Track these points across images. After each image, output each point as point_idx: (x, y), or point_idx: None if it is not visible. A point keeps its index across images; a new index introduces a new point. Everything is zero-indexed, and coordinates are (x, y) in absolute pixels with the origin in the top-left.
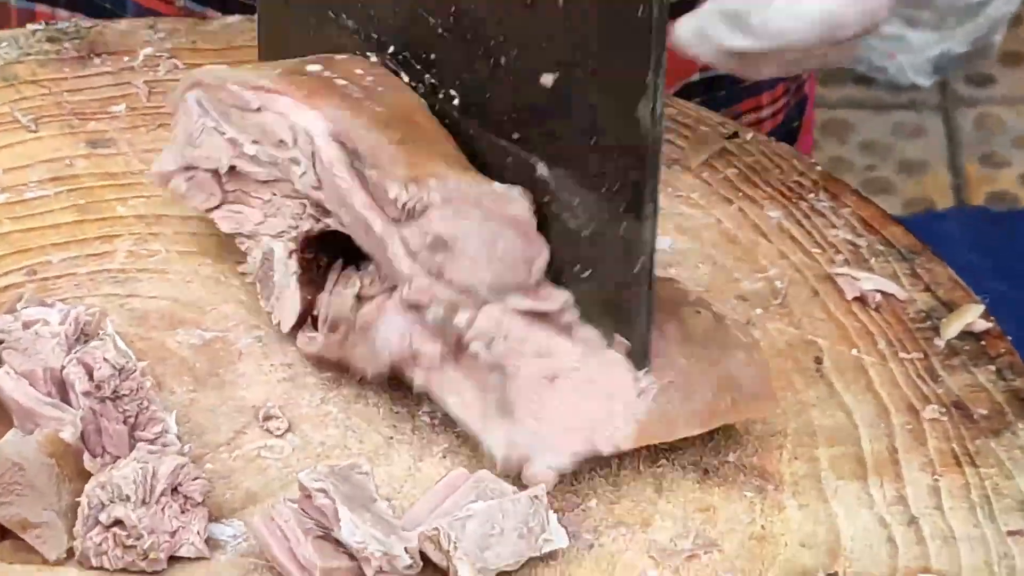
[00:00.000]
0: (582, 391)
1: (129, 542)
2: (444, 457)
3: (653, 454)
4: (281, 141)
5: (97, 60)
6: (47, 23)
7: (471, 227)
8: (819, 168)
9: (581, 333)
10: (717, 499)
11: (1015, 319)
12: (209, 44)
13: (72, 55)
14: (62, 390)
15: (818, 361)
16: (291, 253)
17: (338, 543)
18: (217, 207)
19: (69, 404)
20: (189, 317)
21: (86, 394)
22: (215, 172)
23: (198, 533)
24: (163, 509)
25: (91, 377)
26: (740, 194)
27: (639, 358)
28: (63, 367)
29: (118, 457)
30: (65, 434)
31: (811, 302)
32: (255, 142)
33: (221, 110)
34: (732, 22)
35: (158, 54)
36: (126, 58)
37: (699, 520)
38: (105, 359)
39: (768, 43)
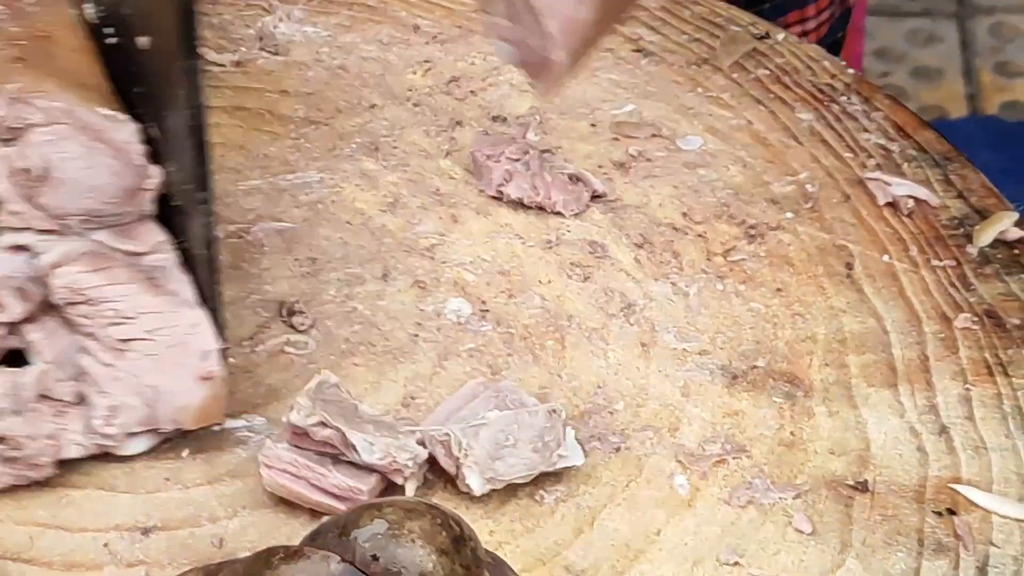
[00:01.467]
0: (154, 360)
1: (11, 454)
2: (471, 356)
3: (680, 356)
4: None
5: None
6: None
7: (73, 151)
8: (851, 71)
9: (170, 284)
10: (746, 404)
11: None
12: None
13: None
14: None
15: (849, 267)
16: None
17: (352, 464)
18: None
19: None
20: None
21: None
22: None
23: (79, 432)
24: (38, 416)
25: None
26: (771, 96)
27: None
28: None
29: None
30: None
31: (842, 207)
32: None
33: None
34: None
35: None
36: None
37: (727, 425)
38: None
39: None
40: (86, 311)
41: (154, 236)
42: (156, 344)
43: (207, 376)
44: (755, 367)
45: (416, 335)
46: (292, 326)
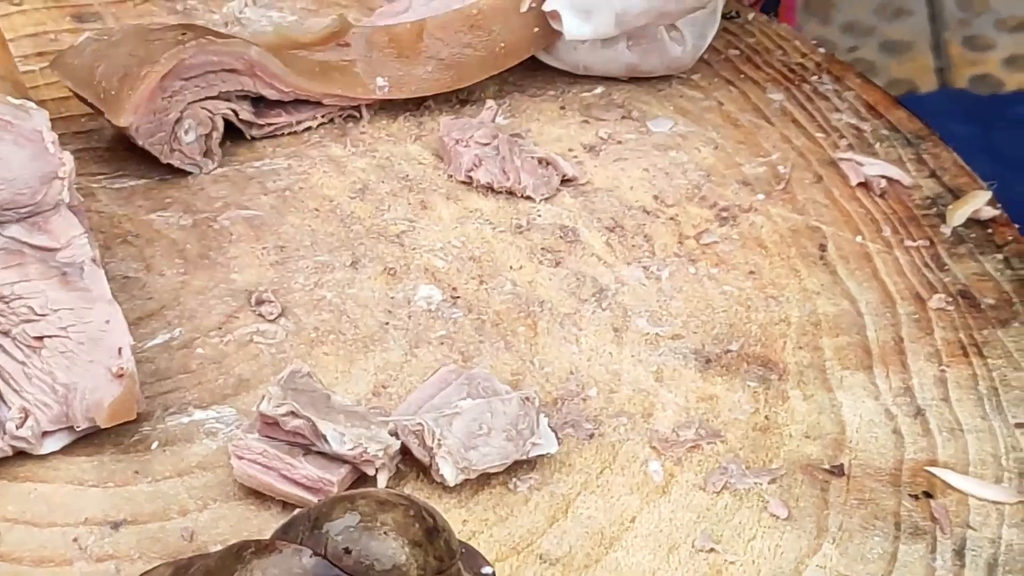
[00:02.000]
0: (67, 357)
1: None
2: (441, 344)
3: (653, 341)
4: None
5: None
6: None
7: None
8: (822, 50)
9: (84, 279)
10: (720, 389)
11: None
12: None
13: None
14: None
15: (822, 248)
16: None
17: (323, 454)
18: None
19: None
20: (177, 196)
21: None
22: None
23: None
24: None
25: None
26: (742, 76)
27: None
28: None
29: None
30: None
31: (814, 187)
32: None
33: None
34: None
35: None
36: None
37: (701, 410)
38: None
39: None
40: None
41: (69, 229)
42: (69, 341)
43: (120, 373)
44: (729, 351)
45: (386, 323)
46: (261, 315)
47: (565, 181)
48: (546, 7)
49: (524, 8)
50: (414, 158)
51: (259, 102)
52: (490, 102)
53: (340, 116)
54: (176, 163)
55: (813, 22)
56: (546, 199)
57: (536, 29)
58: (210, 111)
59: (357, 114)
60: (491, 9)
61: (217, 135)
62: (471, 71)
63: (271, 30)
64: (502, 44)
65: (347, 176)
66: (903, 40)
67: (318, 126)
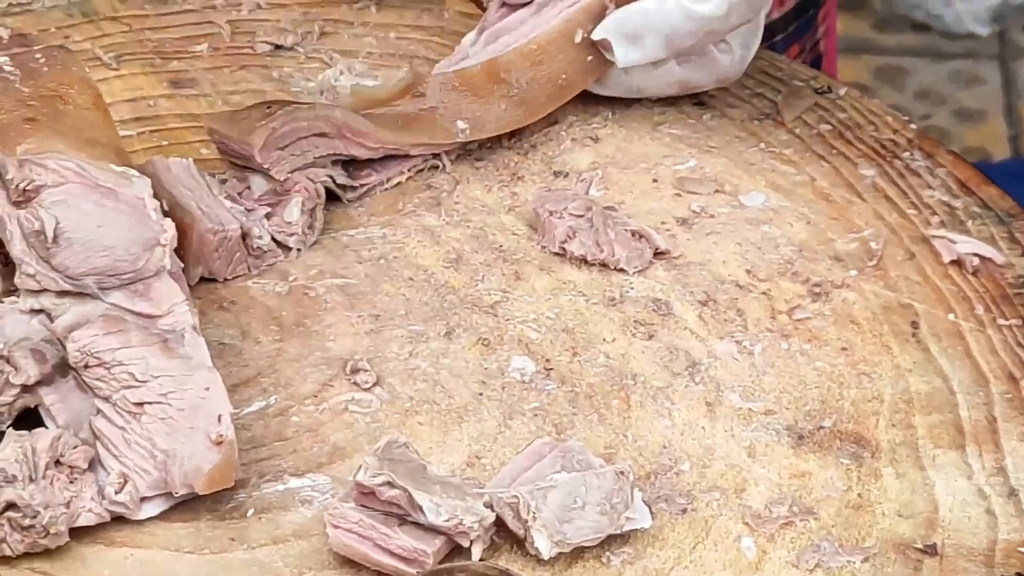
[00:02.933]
0: (167, 423)
1: (26, 522)
2: (535, 415)
3: (746, 416)
4: None
5: None
6: None
7: (85, 210)
8: (913, 126)
9: (184, 346)
10: (812, 465)
11: None
12: None
13: None
14: None
15: (914, 325)
16: None
17: (418, 525)
18: None
19: None
20: (273, 263)
21: None
22: None
23: (92, 499)
24: (52, 482)
25: None
26: (834, 151)
27: None
28: None
29: None
30: None
31: (907, 264)
32: None
33: None
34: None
35: None
36: None
37: (794, 487)
38: None
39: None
40: (100, 374)
41: (170, 296)
42: (169, 407)
43: (219, 440)
44: (821, 427)
45: (480, 393)
46: (356, 384)
47: (658, 254)
48: (595, 36)
49: (577, 39)
50: (508, 229)
51: (349, 165)
52: (584, 174)
53: (427, 167)
54: (284, 241)
55: (886, 89)
56: (639, 271)
57: (590, 58)
58: (311, 179)
59: (439, 163)
60: (548, 43)
61: (320, 204)
62: (539, 105)
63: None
64: (563, 76)
65: (441, 246)
66: (976, 107)
67: (407, 179)
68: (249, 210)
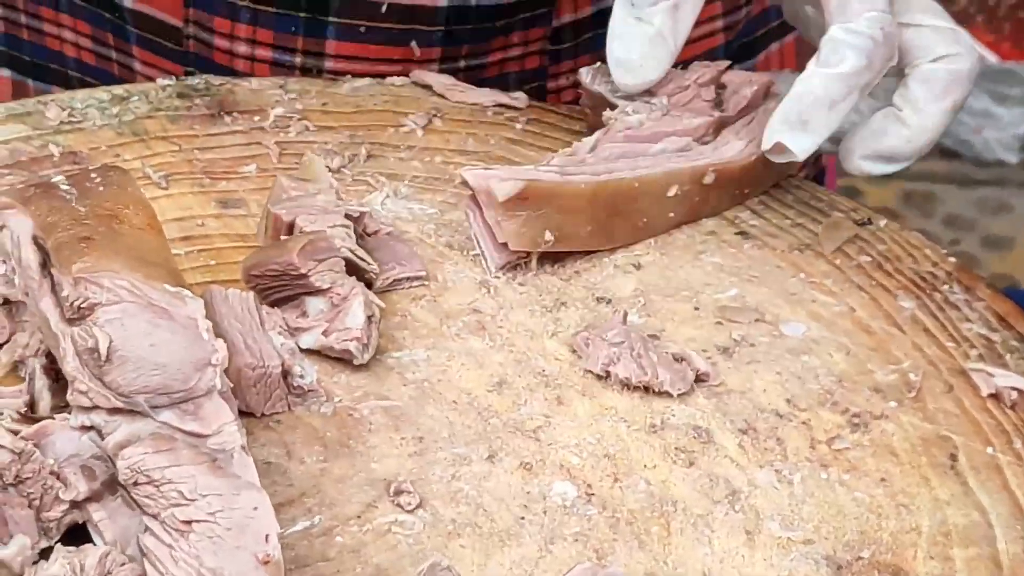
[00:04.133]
0: (214, 542)
1: None
2: (576, 540)
3: (785, 545)
4: (10, 253)
5: (227, 118)
6: (177, 78)
7: (138, 328)
8: (952, 259)
9: (233, 466)
10: None
11: None
12: (339, 107)
13: (203, 112)
14: None
15: (953, 458)
16: (41, 367)
17: None
18: (7, 341)
19: None
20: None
21: None
22: (3, 305)
23: None
24: None
25: None
26: (873, 283)
27: None
28: None
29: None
30: None
31: (945, 397)
32: (3, 262)
33: None
34: (881, 160)
35: (289, 115)
36: (256, 117)
37: None
38: (2, 446)
39: (917, 157)
40: (150, 491)
41: (220, 416)
42: (217, 526)
43: (266, 559)
44: (860, 558)
45: (522, 517)
46: (399, 505)
47: (699, 379)
48: (766, 143)
49: (671, 193)
50: (551, 353)
51: None
52: (625, 301)
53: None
54: (347, 349)
55: (914, 214)
56: (682, 395)
57: (671, 214)
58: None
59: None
60: (643, 186)
61: (376, 318)
62: (618, 239)
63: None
64: (644, 220)
65: (485, 369)
66: (1004, 235)
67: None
68: (303, 331)
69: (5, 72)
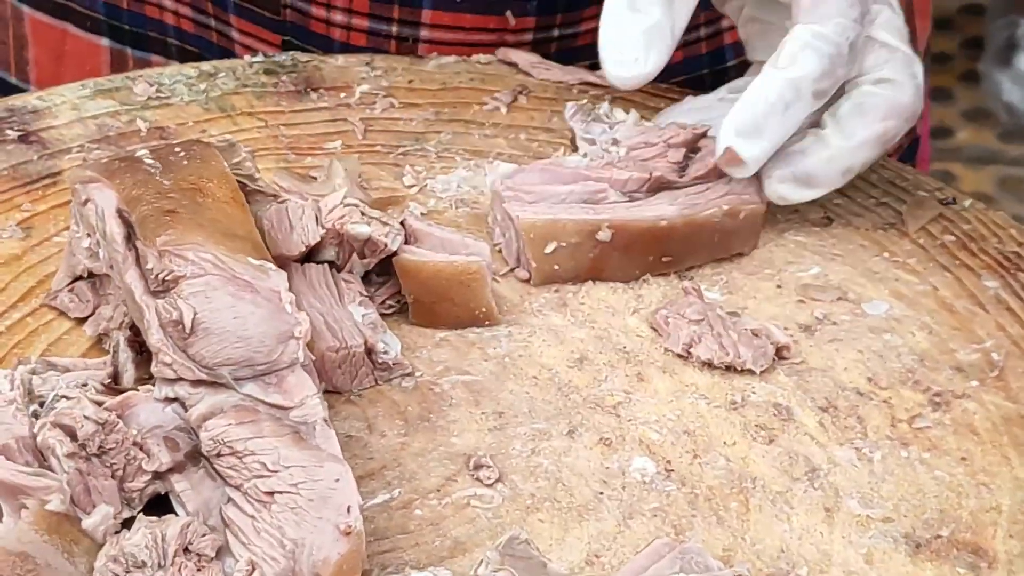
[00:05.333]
0: (296, 513)
1: None
2: (655, 516)
3: (864, 523)
4: (94, 227)
5: (313, 95)
6: (265, 55)
7: (222, 301)
8: None
9: (315, 438)
10: (930, 574)
11: None
12: (425, 84)
13: (289, 89)
14: (38, 457)
15: None
16: (125, 340)
17: None
18: (92, 314)
19: (50, 469)
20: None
21: (71, 456)
22: (88, 278)
23: None
24: (179, 570)
25: (74, 437)
26: (957, 262)
27: None
28: (34, 433)
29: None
30: (53, 504)
31: None
32: (89, 235)
33: (76, 212)
34: (799, 183)
35: (374, 91)
36: (342, 94)
37: None
38: (86, 417)
39: (836, 185)
40: (232, 463)
41: (303, 388)
42: (299, 497)
43: (348, 531)
44: (939, 536)
45: (601, 492)
46: (479, 479)
47: (779, 354)
48: (719, 150)
49: (548, 250)
50: (632, 330)
51: None
52: (708, 279)
53: None
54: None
55: (1009, 199)
56: (763, 373)
57: (556, 267)
58: None
59: None
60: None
61: None
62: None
63: None
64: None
65: (566, 346)
66: None
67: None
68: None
69: (104, 41)
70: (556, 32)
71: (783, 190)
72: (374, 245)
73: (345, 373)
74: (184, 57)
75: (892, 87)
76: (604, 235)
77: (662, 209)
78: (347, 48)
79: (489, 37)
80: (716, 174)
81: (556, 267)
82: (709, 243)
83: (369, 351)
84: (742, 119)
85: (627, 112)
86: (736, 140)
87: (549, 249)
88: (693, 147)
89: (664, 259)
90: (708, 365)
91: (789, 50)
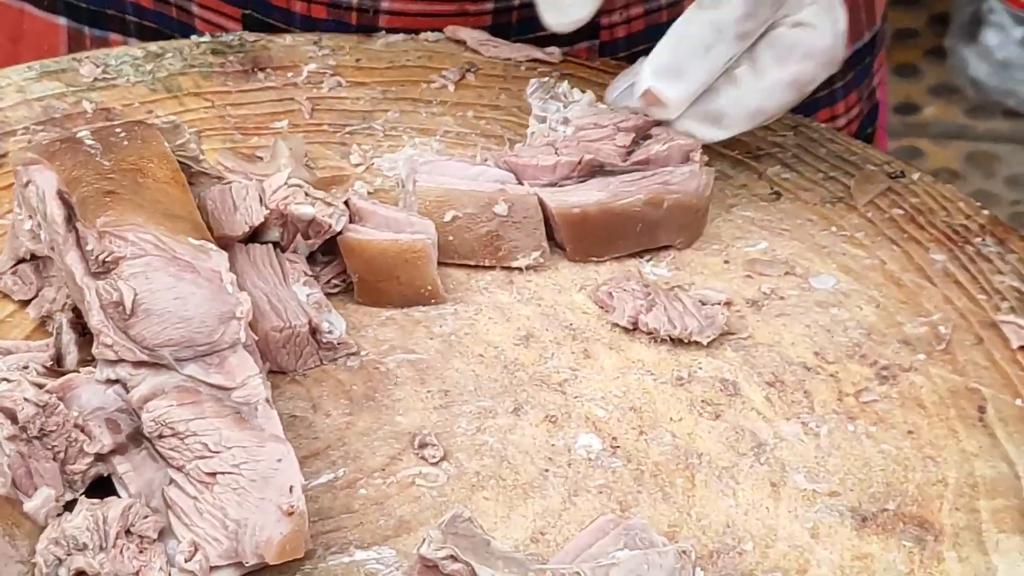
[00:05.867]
0: (238, 493)
1: None
2: (600, 493)
3: (810, 497)
4: (35, 208)
5: (261, 75)
6: (212, 35)
7: (162, 282)
8: (986, 212)
9: (257, 418)
10: (875, 547)
11: None
12: (372, 63)
13: (236, 68)
14: None
15: (981, 410)
16: (68, 322)
17: None
18: (35, 296)
19: None
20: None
21: (11, 438)
22: (31, 261)
23: (161, 569)
24: (121, 552)
25: (15, 420)
26: (905, 235)
27: None
28: None
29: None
30: None
31: (975, 349)
32: (30, 217)
33: (19, 194)
34: (708, 120)
35: (322, 70)
36: (290, 74)
37: (856, 569)
38: (26, 399)
39: (746, 126)
40: (174, 444)
41: (245, 369)
42: (241, 478)
43: (290, 511)
44: (885, 510)
45: (546, 470)
46: (424, 458)
47: (727, 332)
48: (636, 94)
49: (447, 217)
50: (579, 307)
51: None
52: (648, 255)
53: None
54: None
55: (977, 175)
56: (710, 346)
57: (451, 237)
58: None
59: None
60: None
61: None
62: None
63: None
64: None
65: (512, 323)
66: None
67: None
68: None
69: (61, 20)
70: (517, 0)
71: (691, 127)
72: (318, 226)
73: (289, 353)
74: (143, 34)
75: (810, 31)
76: (501, 208)
77: (584, 195)
78: (308, 21)
79: (450, 7)
80: (660, 163)
81: (451, 238)
82: (630, 233)
83: (314, 331)
84: (663, 60)
85: (583, 92)
86: (656, 81)
87: (448, 218)
88: (644, 134)
89: (568, 246)
90: (655, 340)
91: None
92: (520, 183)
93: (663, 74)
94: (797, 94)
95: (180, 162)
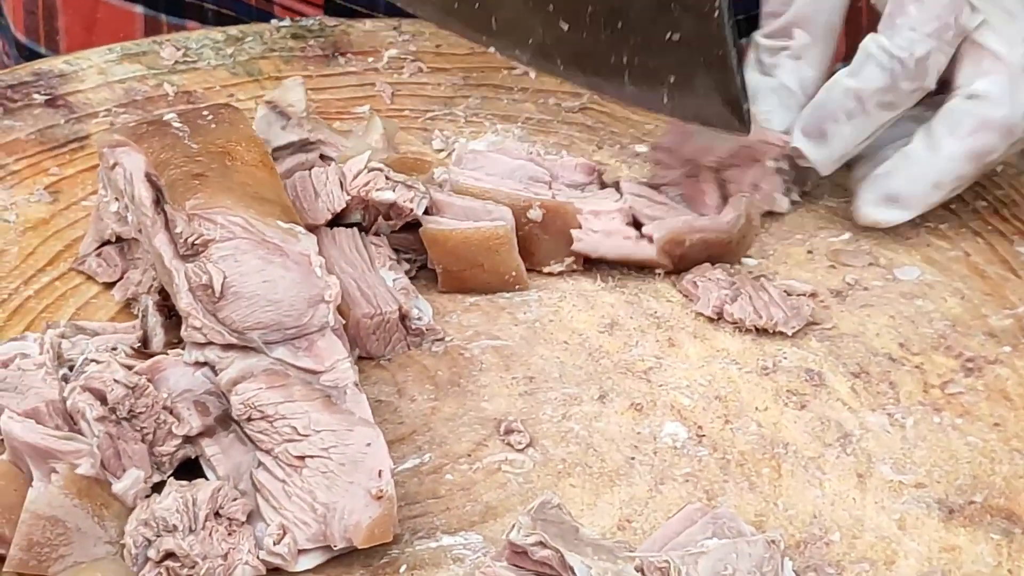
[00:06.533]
0: (327, 477)
1: (184, 572)
2: (686, 481)
3: (896, 488)
4: (123, 191)
5: (341, 59)
6: (292, 20)
7: (252, 265)
8: None
9: (346, 402)
10: (962, 540)
11: None
12: (453, 48)
13: (317, 53)
14: (68, 420)
15: None
16: (154, 304)
17: None
18: (120, 278)
19: (80, 433)
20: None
21: (100, 419)
22: (116, 243)
23: (249, 551)
24: (210, 534)
25: (103, 401)
26: (989, 228)
27: None
28: (64, 397)
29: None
30: (83, 468)
31: None
32: (117, 199)
33: (104, 176)
34: (885, 203)
35: (402, 56)
36: (370, 59)
37: (944, 560)
38: (116, 380)
39: (926, 203)
40: (263, 427)
41: (334, 352)
42: (330, 461)
43: (379, 495)
44: (972, 502)
45: (632, 458)
46: (510, 444)
47: (811, 323)
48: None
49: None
50: (663, 295)
51: None
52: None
53: None
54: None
55: None
56: (794, 338)
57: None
58: None
59: None
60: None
61: None
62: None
63: None
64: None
65: (596, 310)
66: None
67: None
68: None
69: (138, 8)
70: None
71: (871, 213)
72: (399, 209)
73: (379, 339)
74: (221, 21)
75: (983, 102)
76: (535, 214)
77: (594, 204)
78: (391, 6)
79: None
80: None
81: None
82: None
83: (403, 317)
84: (808, 121)
85: None
86: (802, 141)
87: None
88: (693, 172)
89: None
90: (739, 329)
91: (857, 59)
92: (553, 179)
93: (808, 134)
94: (975, 165)
95: None
